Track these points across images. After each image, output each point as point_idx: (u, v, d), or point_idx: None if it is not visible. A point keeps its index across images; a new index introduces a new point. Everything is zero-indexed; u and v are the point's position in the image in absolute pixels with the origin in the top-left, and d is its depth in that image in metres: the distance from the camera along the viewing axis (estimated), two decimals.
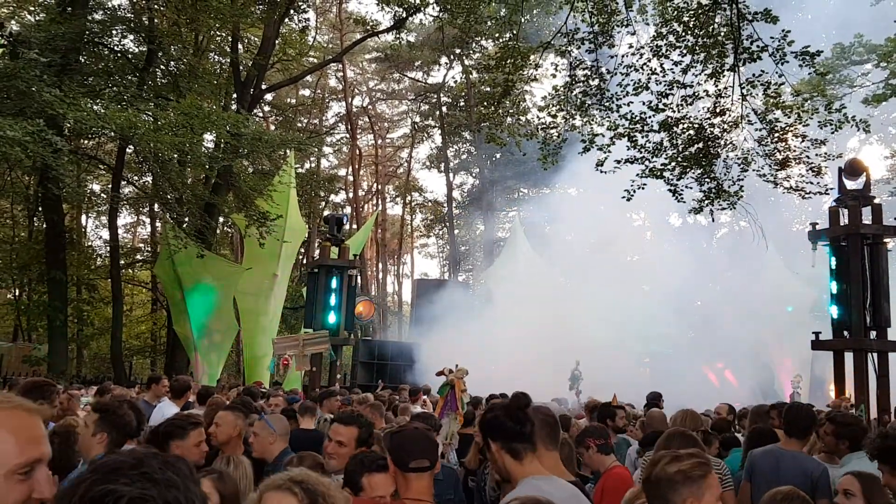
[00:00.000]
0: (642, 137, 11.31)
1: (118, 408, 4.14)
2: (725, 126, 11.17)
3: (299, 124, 44.82)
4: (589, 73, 11.06)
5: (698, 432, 5.52)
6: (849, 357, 14.25)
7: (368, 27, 33.36)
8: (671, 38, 10.68)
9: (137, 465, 1.30)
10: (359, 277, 27.84)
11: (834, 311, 14.47)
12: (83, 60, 22.05)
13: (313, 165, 45.88)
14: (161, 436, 4.33)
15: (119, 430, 4.05)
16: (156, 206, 32.89)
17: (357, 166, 47.95)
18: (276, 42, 27.93)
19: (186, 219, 22.68)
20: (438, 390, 7.13)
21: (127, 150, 24.65)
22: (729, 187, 11.44)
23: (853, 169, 14.63)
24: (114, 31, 23.92)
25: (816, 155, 10.81)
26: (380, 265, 53.01)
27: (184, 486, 1.31)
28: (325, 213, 33.57)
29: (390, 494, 3.19)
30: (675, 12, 10.65)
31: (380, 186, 52.69)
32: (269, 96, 39.27)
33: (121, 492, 1.24)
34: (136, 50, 25.33)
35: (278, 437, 4.99)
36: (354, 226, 39.19)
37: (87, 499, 1.24)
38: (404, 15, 27.47)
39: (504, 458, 3.06)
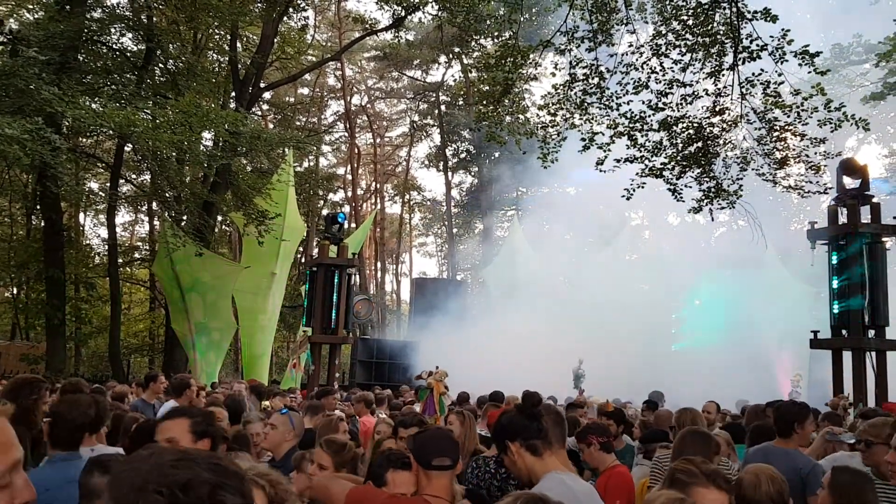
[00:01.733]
0: (642, 136, 11.30)
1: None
2: (725, 125, 11.17)
3: (298, 123, 44.79)
4: (588, 72, 11.05)
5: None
6: (847, 356, 14.28)
7: (367, 25, 33.32)
8: (670, 36, 10.68)
9: (210, 456, 1.32)
10: (357, 276, 27.85)
11: (835, 308, 14.50)
12: (82, 59, 22.00)
13: (312, 164, 45.86)
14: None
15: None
16: (154, 204, 32.87)
17: (356, 165, 47.96)
18: (275, 40, 27.92)
19: (185, 217, 22.66)
20: (418, 395, 7.04)
21: (125, 148, 24.63)
22: (728, 186, 11.44)
23: (849, 169, 14.66)
24: (112, 30, 23.88)
25: (816, 154, 10.81)
26: (378, 264, 53.00)
27: (245, 479, 1.34)
28: (324, 211, 33.62)
29: (411, 493, 3.27)
30: (675, 11, 10.63)
31: (378, 185, 52.69)
32: (267, 95, 39.23)
33: (204, 477, 1.26)
34: (135, 48, 25.30)
35: (295, 436, 5.00)
36: (353, 224, 39.21)
37: (169, 481, 1.25)
38: (403, 13, 27.49)
39: (524, 457, 3.12)
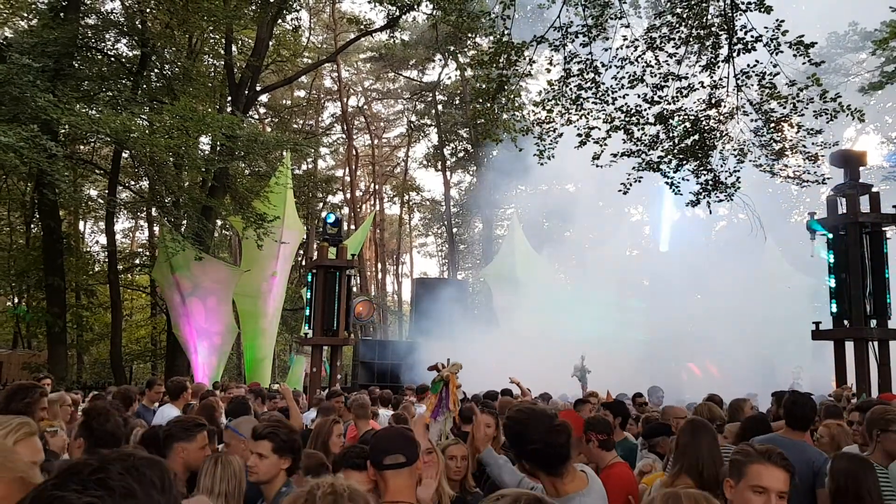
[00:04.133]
0: (638, 130, 11.26)
1: (102, 413, 4.05)
2: (721, 117, 11.13)
3: (295, 126, 44.79)
4: (584, 67, 11.01)
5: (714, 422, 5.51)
6: (850, 346, 14.24)
7: (362, 26, 33.28)
8: (665, 29, 10.64)
9: (97, 470, 1.22)
10: (357, 277, 27.83)
11: (833, 301, 14.47)
12: (77, 65, 22.00)
13: (310, 167, 45.87)
14: (164, 437, 4.32)
15: (98, 437, 3.97)
16: (153, 210, 32.87)
17: (354, 167, 47.93)
18: (270, 43, 27.90)
19: (184, 222, 22.66)
20: (431, 388, 6.75)
21: (123, 154, 24.61)
22: (726, 179, 11.40)
23: (842, 159, 14.63)
24: (107, 36, 23.89)
25: (813, 144, 10.77)
26: (379, 265, 52.97)
27: (144, 494, 1.23)
28: (323, 213, 33.59)
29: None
30: (669, 4, 10.60)
31: (377, 186, 52.65)
32: (263, 98, 39.24)
33: (69, 499, 1.17)
34: (130, 54, 25.30)
35: (249, 441, 4.95)
36: (353, 226, 39.21)
37: None
38: (397, 13, 27.43)
39: (538, 472, 3.09)
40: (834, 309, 14.52)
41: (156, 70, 25.27)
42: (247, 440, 4.91)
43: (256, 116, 40.23)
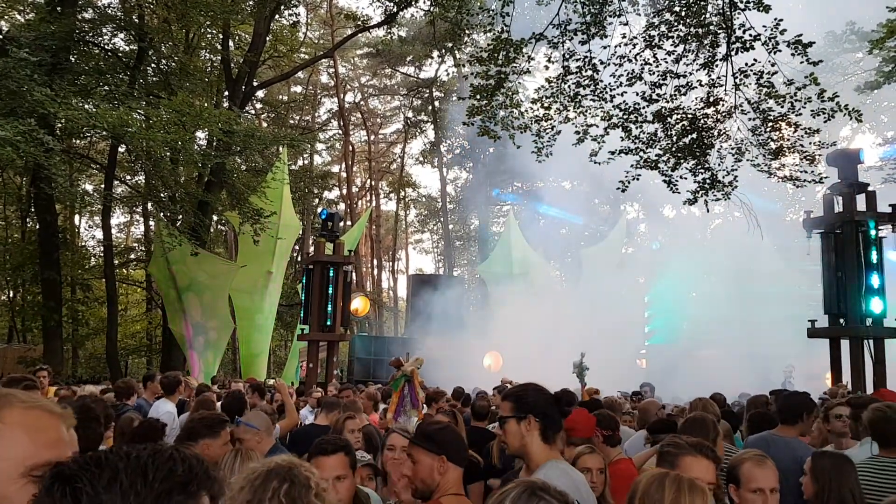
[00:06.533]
0: (636, 128, 11.28)
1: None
2: (719, 116, 11.15)
3: (291, 121, 44.72)
4: (582, 65, 11.01)
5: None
6: (845, 344, 14.27)
7: (359, 22, 33.20)
8: (663, 27, 10.65)
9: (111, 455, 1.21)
10: (353, 273, 27.85)
11: (826, 298, 14.52)
12: (74, 59, 21.91)
13: (307, 162, 45.81)
14: (190, 433, 4.39)
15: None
16: (149, 204, 32.79)
17: (350, 162, 47.88)
18: (267, 38, 27.85)
19: (180, 217, 22.63)
20: (392, 385, 6.51)
21: (119, 149, 24.57)
22: (723, 178, 11.43)
23: (840, 159, 14.67)
24: (104, 30, 23.81)
25: (810, 143, 10.80)
26: (375, 261, 52.94)
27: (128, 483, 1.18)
28: (320, 209, 33.58)
29: (333, 477, 3.19)
30: (667, 1, 10.62)
31: (373, 182, 52.59)
32: (260, 93, 39.16)
33: (66, 472, 1.18)
34: (127, 48, 25.22)
35: (263, 433, 4.93)
36: (349, 222, 39.18)
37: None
38: (395, 9, 27.41)
39: (533, 437, 3.13)
40: (829, 307, 14.55)
41: (153, 65, 25.21)
42: (260, 432, 4.92)
43: (253, 112, 40.14)
